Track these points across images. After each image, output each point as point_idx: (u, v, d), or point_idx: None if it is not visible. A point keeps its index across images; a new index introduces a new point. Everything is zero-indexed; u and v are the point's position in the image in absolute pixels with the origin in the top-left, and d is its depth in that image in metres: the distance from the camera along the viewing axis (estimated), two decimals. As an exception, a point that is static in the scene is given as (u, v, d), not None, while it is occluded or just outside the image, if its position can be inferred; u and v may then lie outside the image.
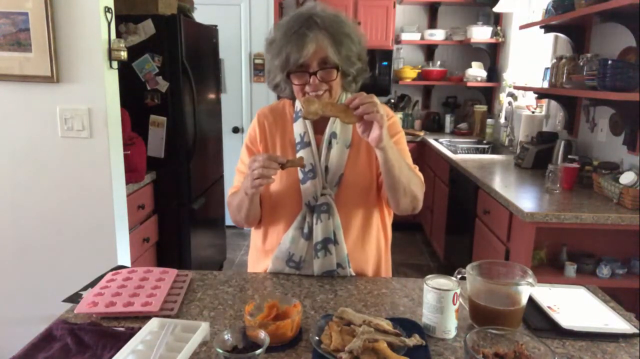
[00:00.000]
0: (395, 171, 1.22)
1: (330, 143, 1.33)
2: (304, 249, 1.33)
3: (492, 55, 4.64)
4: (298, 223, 1.32)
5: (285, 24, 1.25)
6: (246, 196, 1.27)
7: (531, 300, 1.18)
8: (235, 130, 4.65)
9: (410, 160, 1.37)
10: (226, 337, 0.96)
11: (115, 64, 2.06)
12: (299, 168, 1.31)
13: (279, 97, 1.48)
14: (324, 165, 1.33)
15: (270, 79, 1.34)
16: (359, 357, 0.93)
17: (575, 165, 2.58)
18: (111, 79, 2.05)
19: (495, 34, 4.48)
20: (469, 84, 4.58)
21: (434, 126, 4.98)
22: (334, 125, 1.33)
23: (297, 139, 1.35)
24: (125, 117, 2.37)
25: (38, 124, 2.02)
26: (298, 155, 1.33)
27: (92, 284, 1.29)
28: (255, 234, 1.46)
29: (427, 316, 1.08)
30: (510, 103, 4.00)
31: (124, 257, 2.20)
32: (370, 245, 1.39)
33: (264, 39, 1.35)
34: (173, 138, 2.81)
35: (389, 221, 1.46)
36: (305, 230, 1.32)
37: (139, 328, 1.03)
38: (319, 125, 1.34)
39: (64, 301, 1.22)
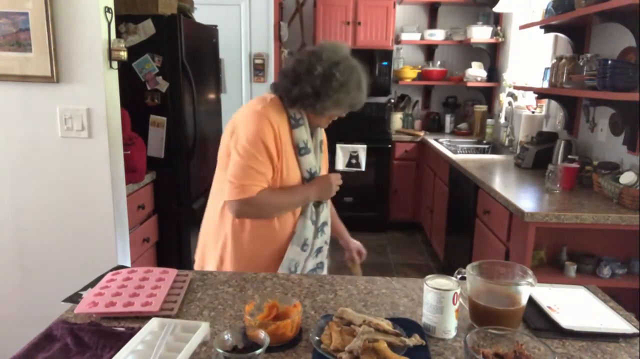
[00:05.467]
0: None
1: (320, 148, 1.66)
2: (311, 232, 1.62)
3: (492, 55, 4.64)
4: (308, 213, 1.60)
5: (353, 73, 1.49)
6: (307, 198, 1.57)
7: (531, 300, 1.18)
8: (235, 130, 4.63)
9: None
10: (226, 337, 0.96)
11: (115, 64, 2.06)
12: (307, 169, 1.57)
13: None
14: (319, 166, 1.64)
15: (312, 100, 1.47)
16: (359, 357, 0.93)
17: (575, 165, 2.58)
18: (111, 79, 2.05)
19: (495, 34, 4.48)
20: (469, 84, 4.58)
21: (434, 126, 4.98)
22: (320, 133, 1.67)
23: (301, 145, 1.55)
24: (125, 117, 2.37)
25: (38, 124, 2.02)
26: (303, 158, 1.55)
27: (92, 284, 1.29)
28: (264, 223, 1.56)
29: (427, 316, 1.08)
30: (510, 103, 4.00)
31: (124, 257, 2.20)
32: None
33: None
34: (173, 138, 2.81)
35: None
36: (313, 217, 1.62)
37: (139, 328, 1.03)
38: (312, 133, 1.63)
39: (64, 301, 1.22)
